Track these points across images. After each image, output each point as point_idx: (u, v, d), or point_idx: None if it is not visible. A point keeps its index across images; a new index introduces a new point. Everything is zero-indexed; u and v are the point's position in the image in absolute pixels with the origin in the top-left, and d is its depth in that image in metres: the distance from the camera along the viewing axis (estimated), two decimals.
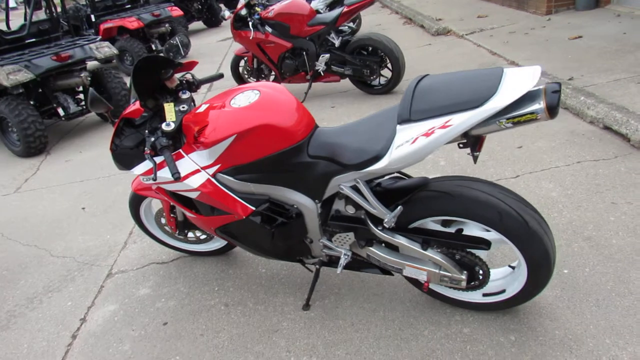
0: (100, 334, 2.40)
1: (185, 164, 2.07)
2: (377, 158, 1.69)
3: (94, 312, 2.57)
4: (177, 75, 2.29)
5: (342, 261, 2.04)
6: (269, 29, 5.12)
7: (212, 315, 2.39)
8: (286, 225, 2.02)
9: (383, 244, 2.02)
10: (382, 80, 5.12)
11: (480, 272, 1.89)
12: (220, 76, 2.45)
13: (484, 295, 2.04)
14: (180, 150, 2.08)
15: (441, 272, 1.90)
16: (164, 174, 2.09)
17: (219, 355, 2.14)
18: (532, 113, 1.45)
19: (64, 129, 6.06)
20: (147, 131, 2.07)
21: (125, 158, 2.21)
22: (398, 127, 1.62)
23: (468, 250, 1.86)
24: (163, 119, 2.11)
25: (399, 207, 1.79)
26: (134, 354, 2.24)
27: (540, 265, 1.78)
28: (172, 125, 2.04)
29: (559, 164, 3.14)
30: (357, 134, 1.81)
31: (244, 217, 2.04)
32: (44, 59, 5.16)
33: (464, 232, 1.91)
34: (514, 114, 1.47)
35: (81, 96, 5.80)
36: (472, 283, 1.93)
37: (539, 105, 1.44)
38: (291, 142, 1.88)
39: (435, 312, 2.15)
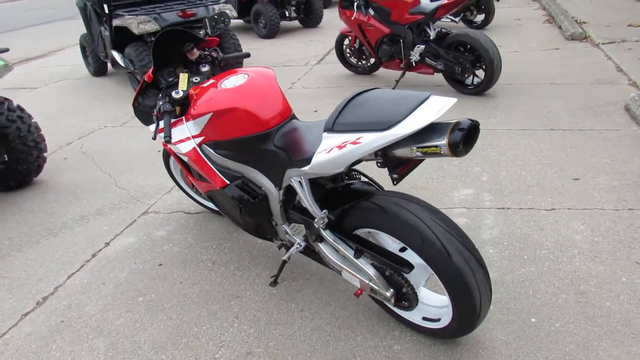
0: (112, 259, 2.81)
1: (182, 130, 2.30)
2: (308, 160, 1.74)
3: (118, 240, 3.00)
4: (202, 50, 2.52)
5: (292, 249, 2.13)
6: (371, 12, 5.12)
7: (198, 268, 2.66)
8: (253, 205, 2.16)
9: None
10: (477, 81, 4.85)
11: (409, 293, 1.85)
12: (247, 55, 2.62)
13: (424, 318, 1.99)
14: (183, 117, 2.32)
15: (370, 283, 1.90)
16: None
17: (183, 304, 2.40)
18: (436, 147, 1.39)
19: None
20: (160, 94, 2.34)
21: (144, 115, 2.52)
22: (324, 134, 1.65)
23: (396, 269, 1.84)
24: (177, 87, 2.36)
25: (324, 211, 1.82)
26: (125, 282, 2.60)
27: (462, 303, 1.70)
28: (181, 94, 2.29)
29: (606, 207, 2.78)
30: (311, 132, 1.87)
31: (219, 188, 2.23)
32: (171, 14, 5.79)
33: (403, 250, 1.88)
34: (421, 144, 1.43)
35: None
36: (402, 303, 1.90)
37: (442, 141, 1.37)
38: (260, 128, 2.00)
39: (380, 322, 2.15)
